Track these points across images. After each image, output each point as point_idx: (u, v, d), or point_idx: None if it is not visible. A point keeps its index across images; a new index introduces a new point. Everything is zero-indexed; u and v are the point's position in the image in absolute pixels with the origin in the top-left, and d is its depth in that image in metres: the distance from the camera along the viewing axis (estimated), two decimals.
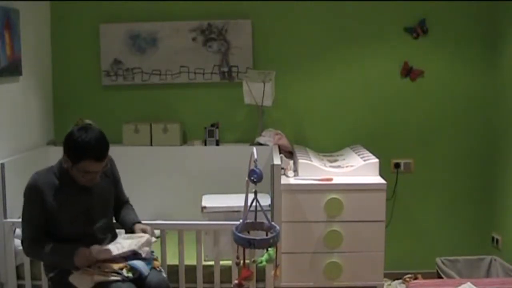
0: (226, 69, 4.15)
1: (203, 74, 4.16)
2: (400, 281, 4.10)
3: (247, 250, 2.73)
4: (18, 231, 3.07)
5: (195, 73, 4.16)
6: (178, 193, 3.99)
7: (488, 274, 3.89)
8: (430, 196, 4.25)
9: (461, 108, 4.18)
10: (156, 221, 3.42)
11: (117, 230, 3.05)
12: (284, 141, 3.94)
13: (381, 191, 3.37)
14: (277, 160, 3.34)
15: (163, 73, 4.17)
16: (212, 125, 4.06)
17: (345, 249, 3.38)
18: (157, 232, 3.21)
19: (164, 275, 2.91)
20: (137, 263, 2.74)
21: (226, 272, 3.25)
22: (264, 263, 2.64)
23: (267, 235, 2.73)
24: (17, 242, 3.11)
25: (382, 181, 3.42)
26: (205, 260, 3.29)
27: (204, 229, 3.28)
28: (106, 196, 2.92)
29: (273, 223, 2.80)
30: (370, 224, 3.37)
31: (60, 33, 4.20)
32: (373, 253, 3.39)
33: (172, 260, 3.27)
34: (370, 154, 3.66)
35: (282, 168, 3.45)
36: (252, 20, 4.12)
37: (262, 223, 2.75)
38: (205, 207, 3.36)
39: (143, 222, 3.06)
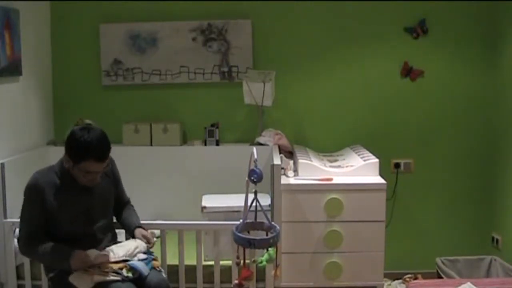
0: (226, 69, 4.15)
1: (203, 74, 4.16)
2: (400, 281, 4.10)
3: (247, 250, 2.73)
4: (18, 231, 3.07)
5: (195, 73, 4.16)
6: (178, 193, 3.99)
7: (488, 274, 3.89)
8: (430, 196, 4.25)
9: (461, 108, 4.18)
10: (156, 221, 3.43)
11: (117, 230, 3.06)
12: (284, 141, 3.94)
13: (381, 191, 3.37)
14: (277, 160, 3.34)
15: (163, 73, 4.17)
16: (212, 125, 4.06)
17: (345, 249, 3.38)
18: (157, 232, 3.21)
19: (164, 275, 2.91)
20: (137, 263, 2.75)
21: (226, 272, 3.25)
22: (264, 263, 2.64)
23: (267, 235, 2.73)
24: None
25: (382, 181, 3.42)
26: (205, 260, 3.29)
27: (204, 229, 3.28)
28: (107, 196, 2.92)
29: (273, 223, 2.80)
30: (370, 224, 3.37)
31: (60, 33, 4.20)
32: (373, 253, 3.39)
33: (172, 260, 3.27)
34: (370, 154, 3.66)
35: (282, 168, 3.45)
36: (252, 20, 4.12)
37: (262, 223, 2.75)
38: (205, 207, 3.36)
39: (143, 222, 3.06)
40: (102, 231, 2.87)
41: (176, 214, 3.77)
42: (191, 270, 3.23)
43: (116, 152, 2.88)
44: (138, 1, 4.14)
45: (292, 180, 3.45)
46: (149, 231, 3.01)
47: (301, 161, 3.54)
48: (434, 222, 4.26)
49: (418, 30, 4.10)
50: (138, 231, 2.95)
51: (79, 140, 2.64)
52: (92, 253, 2.67)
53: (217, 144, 4.03)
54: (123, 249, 2.79)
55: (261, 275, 3.22)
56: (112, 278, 2.64)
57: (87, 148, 2.63)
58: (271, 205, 3.27)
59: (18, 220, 2.79)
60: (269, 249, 2.64)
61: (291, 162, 3.63)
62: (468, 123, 4.19)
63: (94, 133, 2.68)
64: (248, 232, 2.77)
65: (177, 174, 4.01)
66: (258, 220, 2.75)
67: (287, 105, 4.21)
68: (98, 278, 2.62)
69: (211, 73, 4.16)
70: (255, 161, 2.70)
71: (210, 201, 3.43)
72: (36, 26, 3.98)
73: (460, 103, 4.18)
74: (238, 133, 4.22)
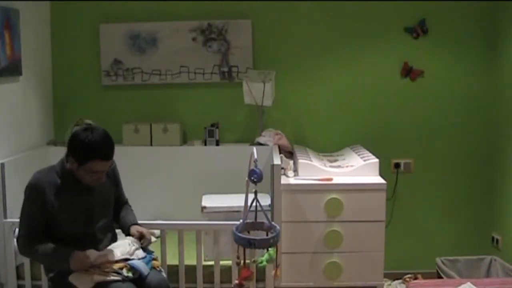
0: (226, 69, 4.15)
1: (203, 74, 4.16)
2: (400, 281, 4.09)
3: (247, 250, 2.73)
4: (18, 231, 3.07)
5: (195, 73, 4.16)
6: (178, 193, 3.99)
7: (488, 274, 3.89)
8: (430, 196, 4.25)
9: (461, 108, 4.18)
10: (156, 221, 3.43)
11: (117, 230, 3.06)
12: (284, 141, 3.94)
13: (381, 191, 3.37)
14: (277, 160, 3.34)
15: (163, 73, 4.17)
16: (212, 125, 4.06)
17: (345, 249, 3.38)
18: (157, 232, 3.21)
19: (164, 275, 2.91)
20: (137, 263, 2.75)
21: (226, 272, 3.25)
22: (264, 263, 2.64)
23: (267, 235, 2.73)
24: None
25: (382, 181, 3.42)
26: (205, 260, 3.29)
27: (204, 229, 3.28)
28: (107, 196, 2.92)
29: (273, 223, 2.80)
30: (370, 224, 3.37)
31: (60, 33, 4.20)
32: (373, 253, 3.39)
33: (172, 260, 3.27)
34: (370, 154, 3.66)
35: (282, 168, 3.45)
36: (252, 20, 4.12)
37: (262, 223, 2.75)
38: (205, 207, 3.36)
39: (143, 222, 3.06)
40: (102, 231, 2.87)
41: (176, 214, 3.77)
42: (191, 270, 3.23)
43: (116, 152, 2.88)
44: (138, 1, 4.14)
45: (292, 180, 3.45)
46: (149, 231, 3.00)
47: (301, 161, 3.54)
48: (434, 222, 4.26)
49: (418, 30, 4.10)
50: (133, 228, 2.95)
51: (83, 141, 2.64)
52: (92, 254, 2.67)
53: (217, 144, 4.03)
54: (120, 249, 2.79)
55: (261, 275, 3.22)
56: (112, 278, 2.64)
57: (93, 148, 2.64)
58: (271, 205, 3.27)
59: (18, 220, 2.79)
60: (269, 249, 2.64)
61: (291, 162, 3.63)
62: (468, 123, 4.19)
63: (98, 133, 2.69)
64: (248, 232, 2.77)
65: (177, 174, 4.01)
66: (258, 220, 2.75)
67: (287, 105, 4.21)
68: (98, 278, 2.62)
69: (211, 73, 4.16)
70: (255, 161, 2.70)
71: (210, 201, 3.43)
72: (36, 26, 3.98)
73: (460, 103, 4.18)
74: (238, 133, 4.22)
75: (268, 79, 3.87)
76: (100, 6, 4.15)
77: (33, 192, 2.70)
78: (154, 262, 2.89)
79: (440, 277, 3.78)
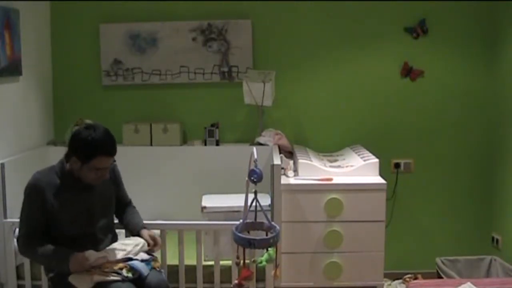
0: (226, 69, 4.15)
1: (203, 74, 4.16)
2: (400, 281, 4.10)
3: (247, 250, 2.73)
4: (18, 231, 3.07)
5: (195, 73, 4.16)
6: (178, 193, 3.99)
7: (488, 274, 3.89)
8: (430, 196, 4.25)
9: (461, 108, 4.18)
10: (156, 221, 3.42)
11: (117, 230, 3.06)
12: (284, 141, 3.94)
13: (381, 191, 3.37)
14: (277, 160, 3.34)
15: (163, 73, 4.17)
16: (212, 125, 4.06)
17: (345, 249, 3.38)
18: (157, 232, 3.21)
19: (164, 275, 2.91)
20: (137, 263, 2.75)
21: (226, 272, 3.25)
22: (264, 263, 2.64)
23: (267, 235, 2.73)
24: None
25: (382, 181, 3.42)
26: (205, 260, 3.29)
27: (204, 229, 3.28)
28: (107, 195, 2.92)
29: (273, 223, 2.80)
30: (370, 224, 3.37)
31: (60, 33, 4.20)
32: (373, 253, 3.39)
33: (172, 260, 3.27)
34: (370, 154, 3.66)
35: (282, 168, 3.45)
36: (252, 20, 4.12)
37: (262, 223, 2.75)
38: (205, 207, 3.36)
39: (143, 222, 3.06)
40: (103, 231, 2.87)
41: (176, 214, 3.76)
42: (191, 270, 3.23)
43: (116, 152, 2.87)
44: (138, 1, 4.14)
45: (292, 180, 3.45)
46: (158, 236, 3.00)
47: (301, 161, 3.54)
48: (434, 222, 4.26)
49: (418, 30, 4.10)
50: (145, 232, 2.95)
51: (87, 139, 2.65)
52: (91, 255, 2.66)
53: (217, 144, 4.03)
54: (124, 247, 2.78)
55: (261, 275, 3.22)
56: (112, 278, 2.64)
57: (96, 145, 2.65)
58: (271, 205, 3.27)
59: (18, 220, 2.79)
60: (269, 249, 2.64)
61: (291, 162, 3.63)
62: (468, 123, 4.19)
63: (100, 130, 2.70)
64: (248, 232, 2.77)
65: (177, 174, 4.01)
66: (258, 220, 2.75)
67: (287, 105, 4.21)
68: (98, 278, 2.62)
69: (211, 73, 4.16)
70: (255, 161, 2.70)
71: (210, 201, 3.43)
72: (36, 26, 3.98)
73: (460, 103, 4.17)
74: (238, 133, 4.22)
75: (268, 79, 3.87)
76: (100, 6, 4.15)
77: (33, 192, 2.70)
78: (154, 262, 2.88)
79: (440, 277, 3.78)
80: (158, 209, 3.93)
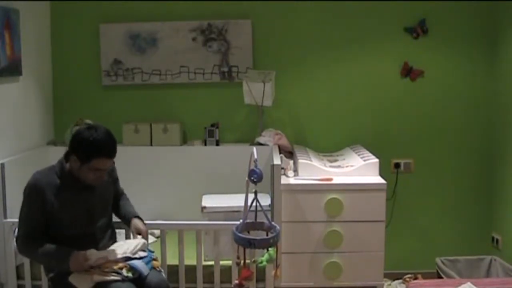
0: (226, 69, 4.15)
1: (203, 74, 4.16)
2: (400, 281, 4.09)
3: (247, 250, 2.73)
4: (17, 230, 3.07)
5: (195, 73, 4.16)
6: (178, 193, 3.99)
7: (488, 274, 3.89)
8: (430, 196, 4.25)
9: (461, 108, 4.18)
10: (156, 221, 3.42)
11: (117, 230, 3.06)
12: (284, 141, 3.94)
13: (381, 191, 3.37)
14: (277, 160, 3.34)
15: (163, 73, 4.17)
16: (212, 125, 4.06)
17: (345, 249, 3.38)
18: (157, 232, 3.21)
19: (164, 275, 2.91)
20: (137, 263, 2.74)
21: (226, 272, 3.25)
22: (264, 263, 2.64)
23: (267, 235, 2.73)
24: None
25: (382, 181, 3.42)
26: (205, 260, 3.29)
27: (204, 229, 3.28)
28: (107, 195, 2.93)
29: (273, 223, 2.80)
30: (370, 224, 3.37)
31: (60, 33, 4.19)
32: (373, 253, 3.39)
33: (172, 260, 3.27)
34: (370, 154, 3.66)
35: (282, 168, 3.45)
36: (252, 20, 4.12)
37: (262, 223, 2.75)
38: (205, 207, 3.36)
39: (135, 211, 3.06)
40: (102, 230, 2.87)
41: (176, 214, 3.76)
42: (191, 270, 3.23)
43: (116, 154, 2.87)
44: (138, 1, 4.14)
45: (292, 180, 3.45)
46: (144, 228, 3.00)
47: (301, 161, 3.54)
48: (434, 222, 4.26)
49: (418, 30, 4.10)
50: (134, 223, 2.95)
51: (88, 139, 2.65)
52: (92, 254, 2.66)
53: (217, 144, 4.03)
54: (123, 248, 2.79)
55: (261, 275, 3.22)
56: (112, 278, 2.64)
57: (98, 146, 2.65)
58: (271, 205, 3.27)
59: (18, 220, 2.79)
60: (269, 249, 2.64)
61: (291, 162, 3.63)
62: (468, 123, 4.19)
63: (101, 131, 2.70)
64: (248, 232, 2.77)
65: (177, 174, 4.01)
66: (258, 220, 2.75)
67: (287, 105, 4.20)
68: (98, 278, 2.62)
69: (211, 73, 4.16)
70: (255, 161, 2.70)
71: (210, 201, 3.43)
72: (36, 26, 3.98)
73: (460, 103, 4.17)
74: (238, 133, 4.22)
75: (268, 79, 3.87)
76: (100, 6, 4.15)
77: (33, 192, 2.70)
78: (154, 262, 2.88)
79: (440, 277, 3.78)
80: (158, 209, 3.93)
